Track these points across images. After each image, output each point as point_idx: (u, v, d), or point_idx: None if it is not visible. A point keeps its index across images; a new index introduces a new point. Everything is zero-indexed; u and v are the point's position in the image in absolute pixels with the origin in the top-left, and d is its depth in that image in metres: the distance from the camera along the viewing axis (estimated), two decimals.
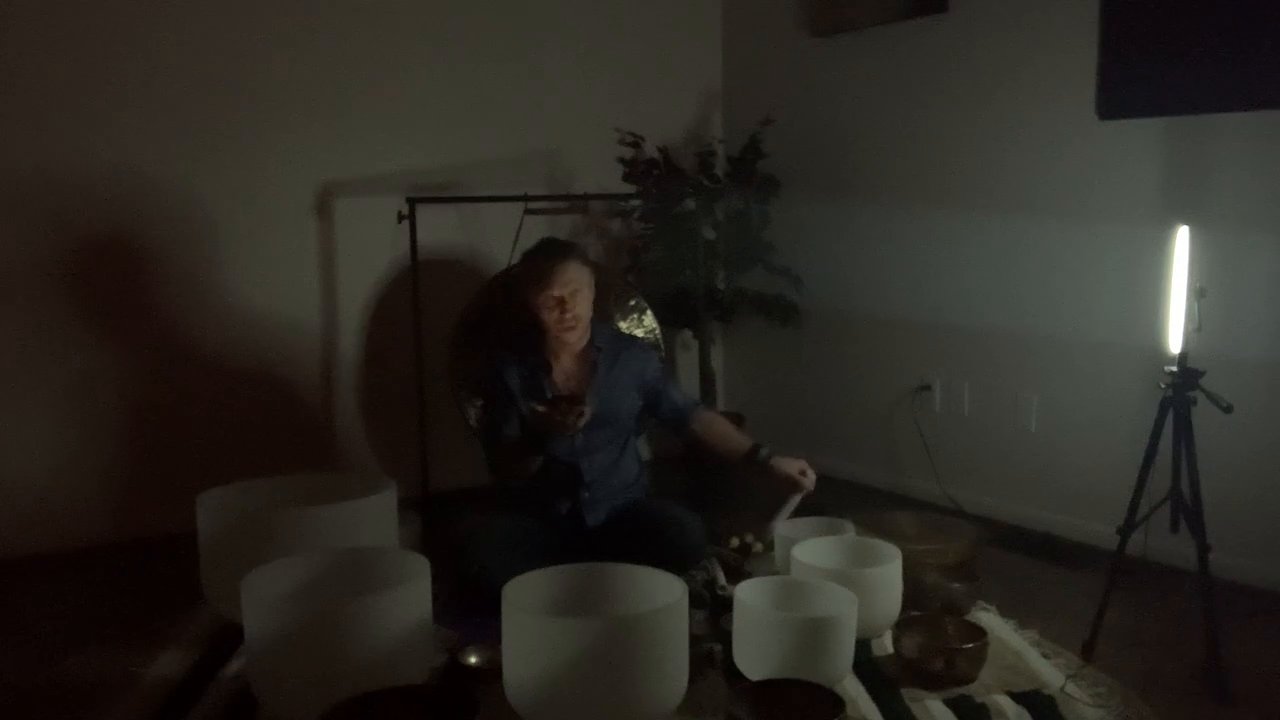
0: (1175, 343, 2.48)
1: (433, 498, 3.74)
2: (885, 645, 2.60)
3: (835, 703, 2.07)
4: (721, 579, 2.98)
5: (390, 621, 2.17)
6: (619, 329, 3.81)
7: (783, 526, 2.97)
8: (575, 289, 2.84)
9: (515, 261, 3.80)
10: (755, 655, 2.32)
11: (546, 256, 2.89)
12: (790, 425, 4.46)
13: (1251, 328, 2.97)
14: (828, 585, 2.47)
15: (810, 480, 2.95)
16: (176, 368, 3.76)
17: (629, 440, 3.12)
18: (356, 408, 4.13)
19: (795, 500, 3.00)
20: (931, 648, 2.43)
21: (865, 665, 2.47)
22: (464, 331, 3.79)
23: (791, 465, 2.95)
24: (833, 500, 3.33)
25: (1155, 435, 2.48)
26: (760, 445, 3.01)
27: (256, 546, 2.51)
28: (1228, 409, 2.41)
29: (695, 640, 2.35)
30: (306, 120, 3.89)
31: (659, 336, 4.01)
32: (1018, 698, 2.30)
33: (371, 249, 4.04)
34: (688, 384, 4.41)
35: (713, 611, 2.72)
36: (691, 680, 2.21)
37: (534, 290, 2.87)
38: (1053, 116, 3.46)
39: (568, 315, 2.84)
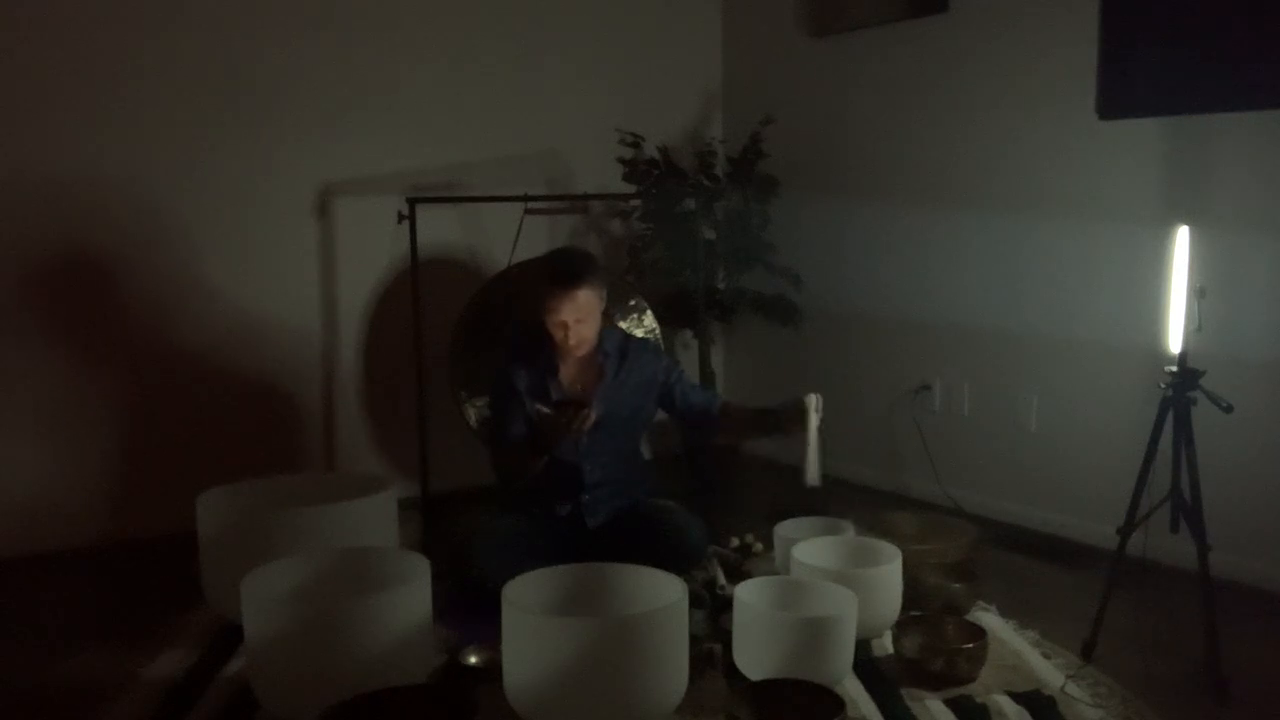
0: (1175, 343, 2.48)
1: (433, 498, 3.73)
2: (885, 645, 2.60)
3: (835, 703, 2.07)
4: (721, 579, 2.98)
5: (390, 621, 2.17)
6: (626, 331, 3.80)
7: (784, 526, 2.97)
8: (581, 317, 2.84)
9: (515, 262, 3.81)
10: (755, 655, 2.32)
11: (559, 281, 2.82)
12: None
13: (1251, 328, 2.97)
14: (828, 585, 2.47)
15: (814, 402, 2.70)
16: (176, 367, 3.76)
17: (635, 443, 3.11)
18: (357, 408, 4.13)
19: (813, 437, 2.71)
20: (931, 648, 2.43)
21: (865, 665, 2.47)
22: (464, 331, 3.79)
23: (797, 403, 2.73)
24: (833, 500, 3.33)
25: (1155, 435, 2.48)
26: (766, 408, 2.86)
27: (256, 546, 2.51)
28: (1228, 409, 2.41)
29: (695, 640, 2.35)
30: (306, 120, 3.89)
31: (659, 336, 4.01)
32: (1018, 698, 2.31)
33: (371, 249, 4.04)
34: None
35: (713, 611, 2.72)
36: (691, 680, 2.21)
37: (543, 308, 2.86)
38: (1053, 116, 3.46)
39: (572, 340, 2.85)
